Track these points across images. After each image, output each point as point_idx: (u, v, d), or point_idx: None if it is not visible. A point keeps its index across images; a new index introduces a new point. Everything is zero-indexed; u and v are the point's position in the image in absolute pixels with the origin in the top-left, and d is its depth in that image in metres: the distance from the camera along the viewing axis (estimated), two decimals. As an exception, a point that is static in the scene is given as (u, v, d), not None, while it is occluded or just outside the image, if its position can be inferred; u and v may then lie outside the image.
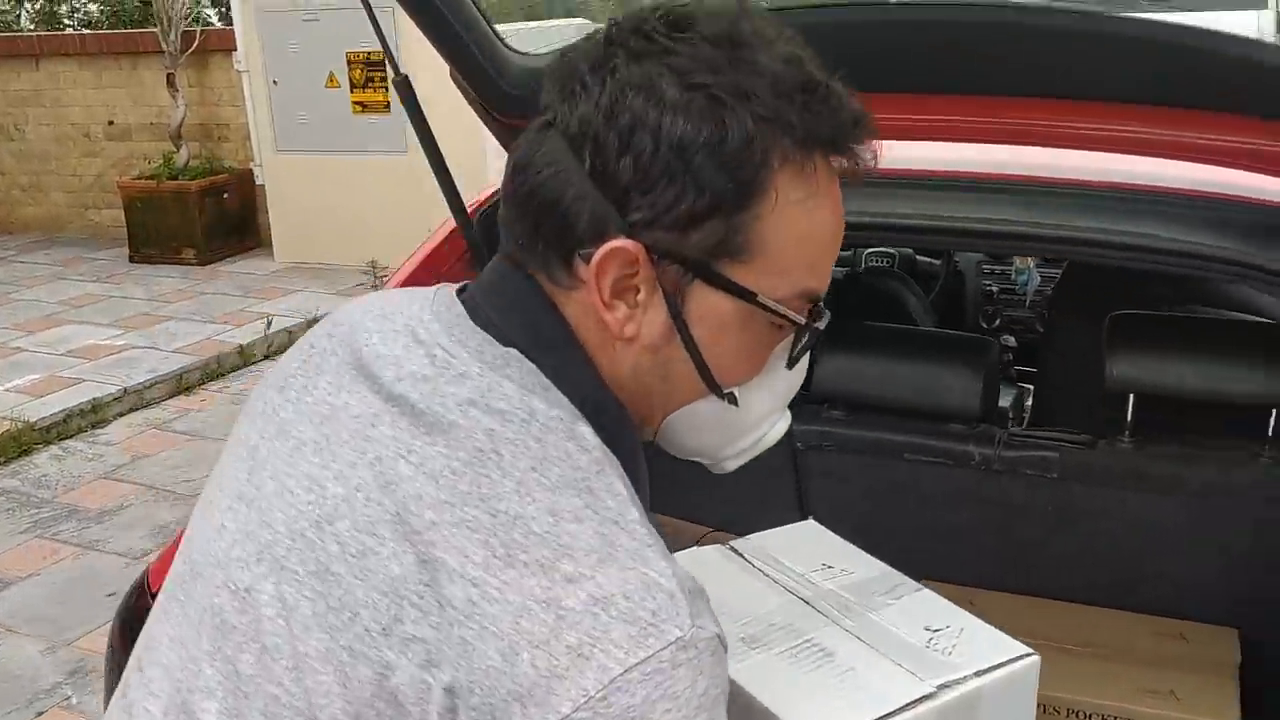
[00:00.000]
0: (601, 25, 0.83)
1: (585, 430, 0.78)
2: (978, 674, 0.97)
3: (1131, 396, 1.62)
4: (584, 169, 0.77)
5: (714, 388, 0.83)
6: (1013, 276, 2.97)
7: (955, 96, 1.48)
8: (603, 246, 0.77)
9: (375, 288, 6.11)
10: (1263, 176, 1.44)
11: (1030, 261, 2.94)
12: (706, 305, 0.80)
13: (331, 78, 6.46)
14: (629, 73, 0.77)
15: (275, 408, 0.87)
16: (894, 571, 1.12)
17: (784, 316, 0.81)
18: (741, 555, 1.14)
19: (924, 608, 1.06)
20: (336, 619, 0.73)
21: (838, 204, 0.82)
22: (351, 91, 6.42)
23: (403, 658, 0.70)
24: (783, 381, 0.87)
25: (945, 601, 1.07)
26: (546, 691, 0.67)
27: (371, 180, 6.38)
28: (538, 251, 0.82)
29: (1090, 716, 1.48)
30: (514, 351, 0.81)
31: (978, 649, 1.00)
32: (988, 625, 1.05)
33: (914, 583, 1.10)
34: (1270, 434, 1.59)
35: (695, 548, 1.17)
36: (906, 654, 0.99)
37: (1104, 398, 1.64)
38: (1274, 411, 1.58)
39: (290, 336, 5.67)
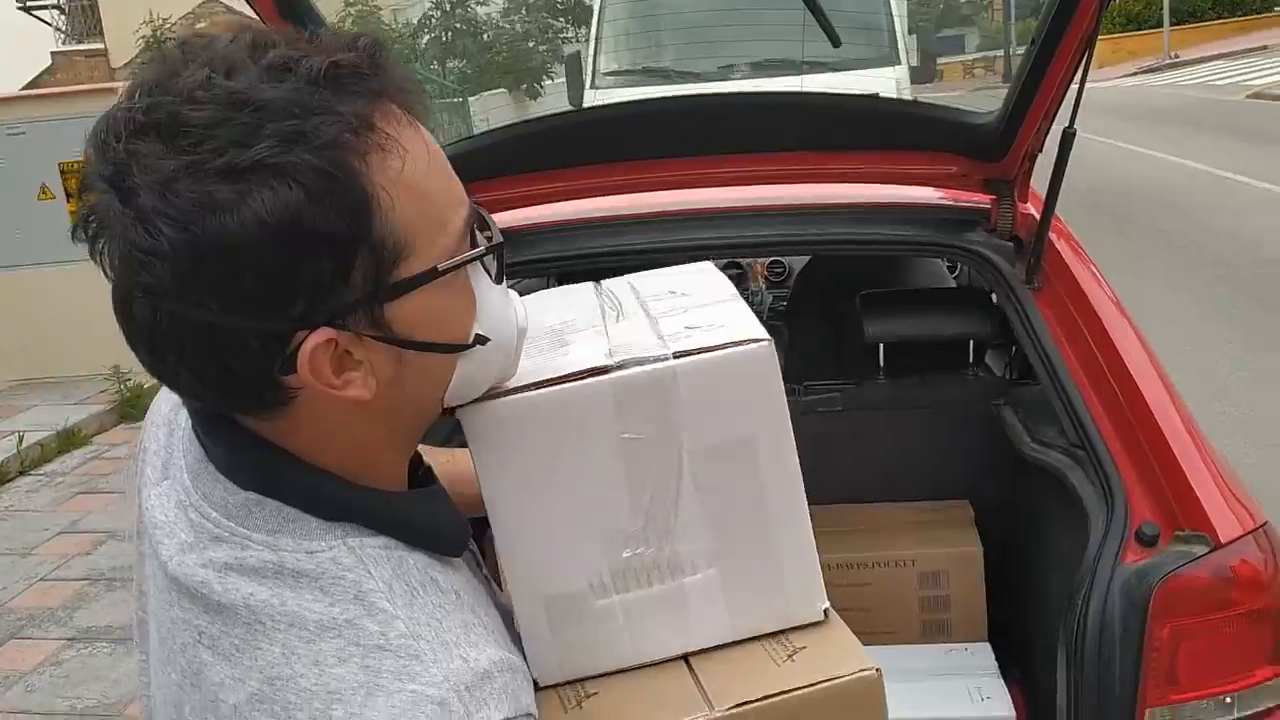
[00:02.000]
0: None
1: (339, 553, 0.78)
2: (680, 355, 0.98)
3: (881, 346, 2.30)
4: (213, 310, 0.70)
5: (462, 349, 0.82)
6: (748, 298, 3.68)
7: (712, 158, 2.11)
8: (301, 355, 0.73)
9: (121, 393, 6.10)
10: (915, 188, 2.17)
11: (762, 284, 3.66)
12: (407, 311, 0.76)
13: (44, 190, 6.41)
14: (184, 201, 0.68)
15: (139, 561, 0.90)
16: (734, 296, 1.13)
17: (471, 259, 0.80)
18: (601, 287, 1.22)
19: (712, 315, 1.06)
20: None
21: (422, 140, 0.77)
22: (68, 201, 6.38)
23: None
24: (497, 291, 0.85)
25: (742, 311, 1.08)
26: None
27: (102, 287, 6.34)
28: (232, 401, 0.78)
29: (878, 564, 2.12)
30: (253, 495, 0.79)
31: (697, 339, 1.01)
32: (749, 317, 1.05)
33: (738, 302, 1.11)
34: (971, 360, 2.31)
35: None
36: (635, 345, 1.01)
37: (862, 351, 2.30)
38: (970, 343, 2.31)
39: (42, 450, 5.59)
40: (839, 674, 1.01)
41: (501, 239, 0.83)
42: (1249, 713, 1.54)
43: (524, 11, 19.91)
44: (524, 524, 1.01)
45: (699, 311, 1.07)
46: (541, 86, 18.68)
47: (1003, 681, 1.91)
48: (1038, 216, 2.01)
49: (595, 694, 1.03)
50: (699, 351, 0.99)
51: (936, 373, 2.33)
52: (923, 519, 2.21)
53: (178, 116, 0.69)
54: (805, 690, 0.99)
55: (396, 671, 0.73)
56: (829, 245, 2.18)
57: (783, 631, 1.08)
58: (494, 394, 0.96)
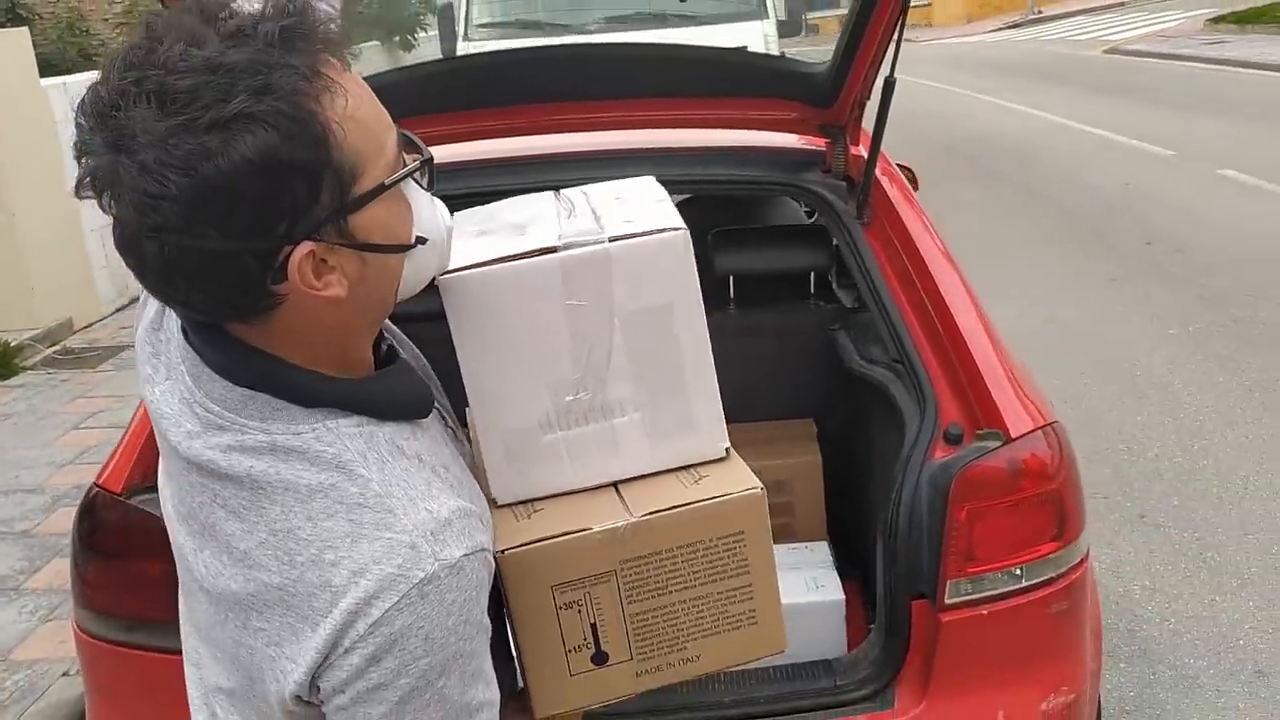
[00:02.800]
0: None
1: (320, 432, 0.95)
2: (614, 239, 1.23)
3: (731, 278, 2.50)
4: (215, 238, 0.85)
5: (408, 248, 0.98)
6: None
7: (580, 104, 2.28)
8: (290, 265, 0.88)
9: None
10: (763, 133, 2.37)
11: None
12: (365, 221, 0.92)
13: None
14: (184, 152, 0.82)
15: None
16: (665, 199, 1.37)
17: (410, 173, 0.96)
18: (560, 194, 1.43)
19: (645, 212, 1.30)
20: (223, 618, 0.99)
21: (355, 80, 0.91)
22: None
23: (256, 640, 0.95)
24: (426, 200, 1.01)
25: (668, 209, 1.32)
26: (335, 645, 0.90)
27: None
28: (233, 311, 0.93)
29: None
30: (247, 391, 0.96)
31: (629, 224, 1.25)
32: (672, 213, 1.29)
33: (666, 203, 1.35)
34: (812, 290, 2.54)
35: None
36: (576, 228, 1.25)
37: (714, 285, 2.50)
38: (811, 275, 2.53)
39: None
40: (730, 491, 1.28)
41: (430, 155, 1.00)
42: (1035, 581, 1.80)
43: (397, -38, 19.38)
44: (488, 373, 1.24)
45: (635, 209, 1.31)
46: (415, 38, 18.32)
47: (835, 572, 2.15)
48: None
49: (541, 509, 1.29)
50: (629, 236, 1.23)
51: (781, 303, 2.55)
52: (770, 435, 2.43)
53: (165, 85, 0.83)
54: (701, 503, 1.26)
55: (375, 523, 0.92)
56: (687, 185, 2.36)
57: (693, 465, 1.33)
58: (464, 267, 1.19)
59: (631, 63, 2.33)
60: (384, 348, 1.11)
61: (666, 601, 1.28)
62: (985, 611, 1.78)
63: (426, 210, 1.00)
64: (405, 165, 0.96)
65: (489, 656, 0.99)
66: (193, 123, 0.82)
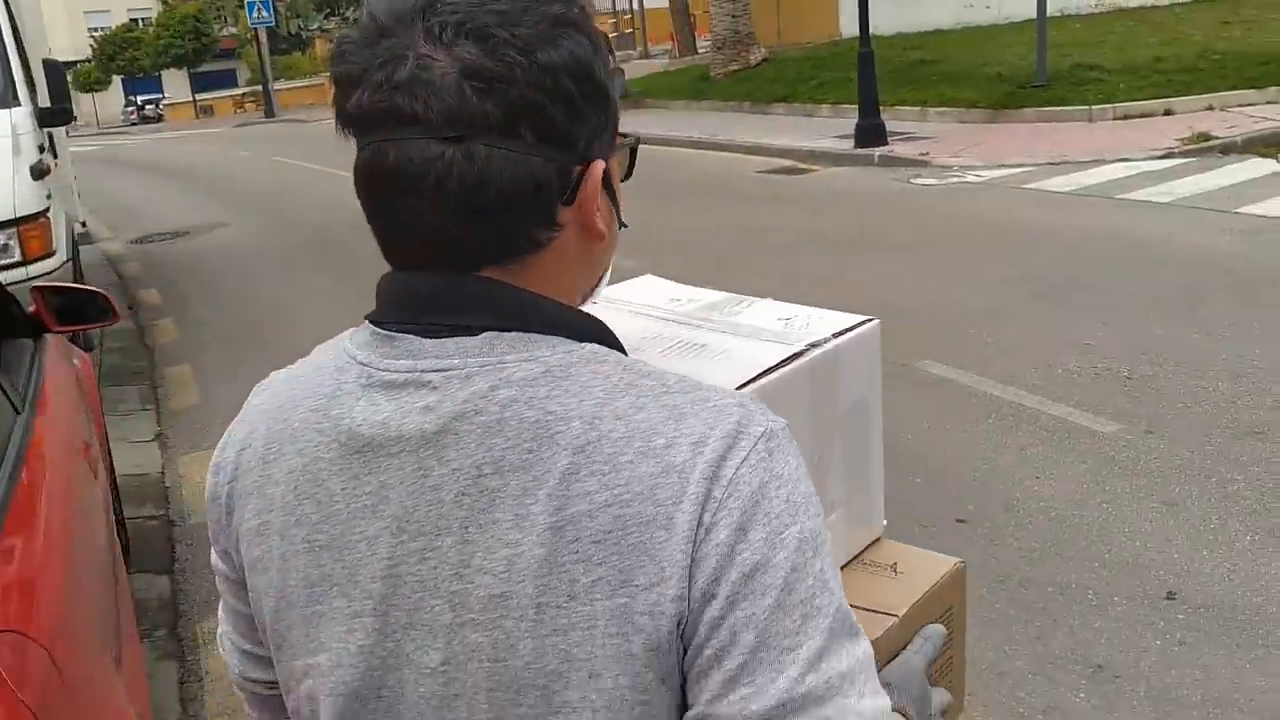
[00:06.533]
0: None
1: (591, 350, 0.83)
2: (835, 335, 1.18)
3: None
4: (528, 142, 0.79)
5: (621, 224, 0.92)
6: None
7: None
8: (588, 176, 0.82)
9: None
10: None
11: None
12: (612, 169, 0.88)
13: None
14: (522, 29, 0.78)
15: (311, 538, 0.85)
16: (736, 295, 1.31)
17: (634, 143, 0.91)
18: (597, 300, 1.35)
19: (771, 309, 1.26)
20: (509, 631, 0.82)
21: None
22: None
23: (591, 605, 0.78)
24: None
25: (788, 305, 1.27)
26: (699, 524, 0.76)
27: None
28: (498, 245, 0.82)
29: None
30: (489, 333, 0.81)
31: (827, 324, 1.21)
32: (829, 311, 1.26)
33: (755, 298, 1.30)
34: None
35: None
36: (770, 335, 1.18)
37: None
38: None
39: None
40: (943, 570, 1.27)
41: (638, 139, 0.93)
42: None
43: None
44: None
45: (750, 310, 1.27)
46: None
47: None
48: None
49: None
50: (846, 331, 1.20)
51: None
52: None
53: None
54: (934, 587, 1.24)
55: (691, 400, 0.81)
56: None
57: (867, 556, 1.30)
58: (751, 379, 1.09)
59: None
60: None
61: None
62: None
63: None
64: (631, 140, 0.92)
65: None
66: (534, 8, 0.79)
